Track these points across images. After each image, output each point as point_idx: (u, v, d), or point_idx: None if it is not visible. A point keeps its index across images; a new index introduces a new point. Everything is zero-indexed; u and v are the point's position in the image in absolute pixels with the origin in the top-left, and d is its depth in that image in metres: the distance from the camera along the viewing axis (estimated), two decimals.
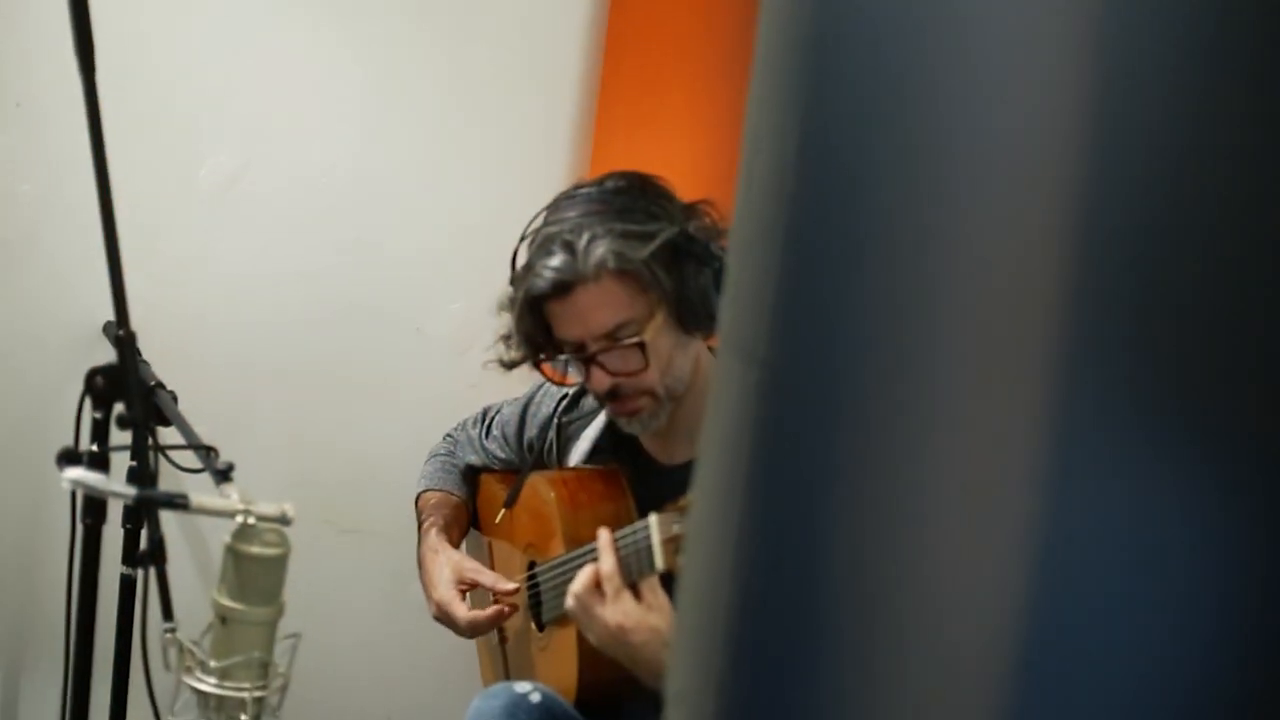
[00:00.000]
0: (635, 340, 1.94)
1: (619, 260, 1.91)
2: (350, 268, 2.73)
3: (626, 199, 1.96)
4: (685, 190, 2.04)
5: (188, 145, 2.56)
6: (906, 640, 0.73)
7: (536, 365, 2.09)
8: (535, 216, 2.03)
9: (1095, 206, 0.69)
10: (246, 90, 2.60)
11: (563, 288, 1.94)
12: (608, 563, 1.84)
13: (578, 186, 2.03)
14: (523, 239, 2.03)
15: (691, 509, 0.85)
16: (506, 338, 2.07)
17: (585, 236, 1.92)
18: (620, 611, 1.82)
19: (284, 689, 1.53)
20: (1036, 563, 0.71)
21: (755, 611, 0.77)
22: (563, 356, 2.04)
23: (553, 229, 1.96)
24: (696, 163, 2.51)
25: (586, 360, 1.99)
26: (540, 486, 2.17)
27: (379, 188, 2.73)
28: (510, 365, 2.09)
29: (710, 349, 2.09)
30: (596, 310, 1.94)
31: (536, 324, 2.02)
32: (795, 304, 0.77)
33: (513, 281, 2.03)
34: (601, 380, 2.00)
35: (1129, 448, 0.71)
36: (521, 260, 2.02)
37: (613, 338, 1.96)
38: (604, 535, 1.87)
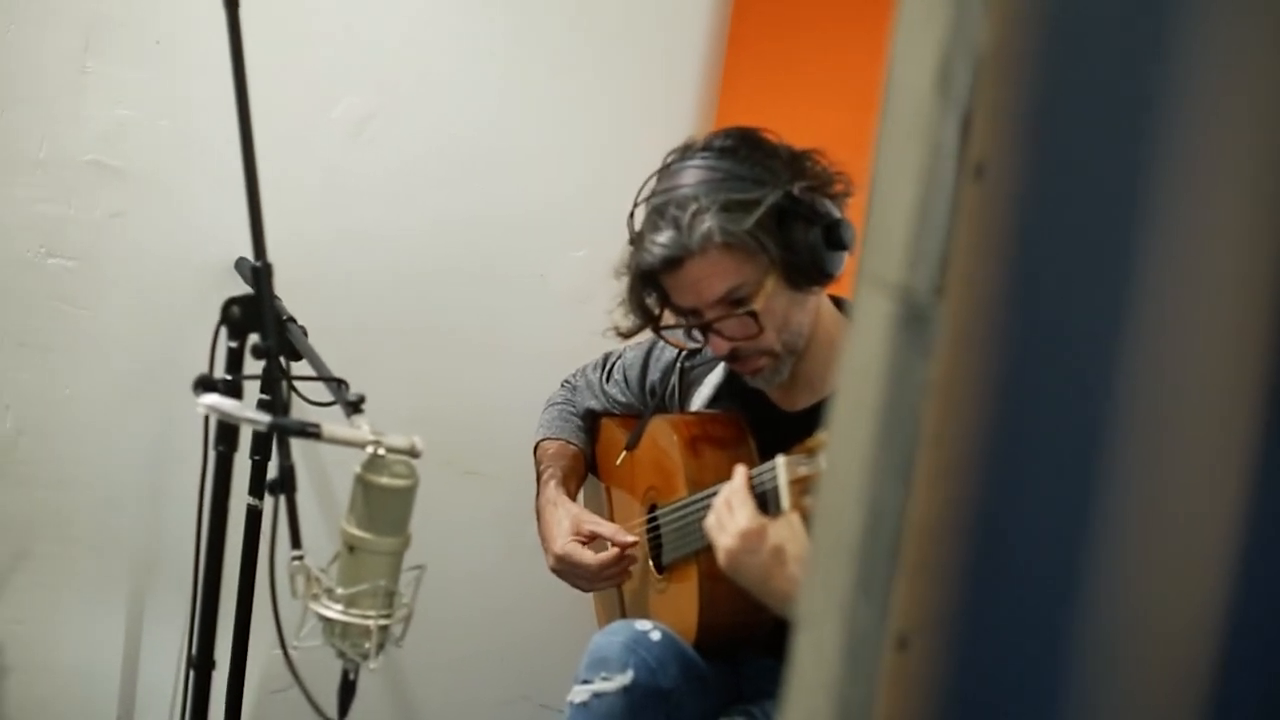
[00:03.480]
0: (747, 310, 1.97)
1: (724, 234, 1.93)
2: (475, 215, 2.74)
3: (732, 163, 1.97)
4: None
5: (322, 85, 2.58)
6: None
7: (656, 332, 2.13)
8: (645, 182, 2.06)
9: None
10: (381, 36, 2.61)
11: (672, 263, 1.98)
12: (738, 480, 1.83)
13: (686, 147, 2.05)
14: (636, 205, 2.06)
15: (829, 437, 0.84)
16: (623, 304, 2.09)
17: (690, 210, 1.94)
18: (748, 517, 1.78)
19: (408, 619, 1.55)
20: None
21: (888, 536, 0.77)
22: (681, 324, 2.07)
23: (660, 199, 2.00)
24: (821, 115, 2.49)
25: (703, 327, 2.02)
26: (662, 430, 2.18)
27: (506, 136, 2.74)
28: (627, 334, 2.13)
29: (830, 297, 2.10)
30: (706, 280, 1.98)
31: (651, 294, 2.06)
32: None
33: (630, 246, 2.06)
34: (721, 345, 2.03)
35: None
36: (636, 226, 2.05)
37: (727, 303, 1.99)
38: (739, 469, 1.85)
